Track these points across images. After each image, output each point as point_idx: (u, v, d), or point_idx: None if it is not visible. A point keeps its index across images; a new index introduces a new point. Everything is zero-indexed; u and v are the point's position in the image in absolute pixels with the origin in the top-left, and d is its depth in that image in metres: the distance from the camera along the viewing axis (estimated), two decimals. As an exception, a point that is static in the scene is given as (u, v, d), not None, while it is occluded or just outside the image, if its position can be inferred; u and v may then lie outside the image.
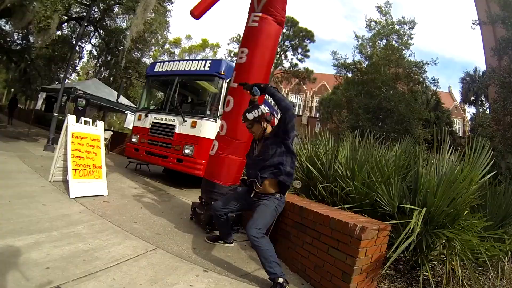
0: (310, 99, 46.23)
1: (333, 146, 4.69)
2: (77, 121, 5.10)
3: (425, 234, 3.03)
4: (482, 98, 32.01)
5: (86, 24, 15.02)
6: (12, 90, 29.52)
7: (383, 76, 14.81)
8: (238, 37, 30.41)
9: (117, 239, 3.02)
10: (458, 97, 40.87)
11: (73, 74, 24.94)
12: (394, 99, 14.28)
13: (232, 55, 30.38)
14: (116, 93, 9.77)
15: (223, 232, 3.34)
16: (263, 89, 2.93)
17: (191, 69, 6.92)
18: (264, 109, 2.97)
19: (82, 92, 10.16)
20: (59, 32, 16.56)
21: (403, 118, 14.43)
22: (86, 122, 5.20)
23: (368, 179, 3.70)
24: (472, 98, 33.05)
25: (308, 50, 32.39)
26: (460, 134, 33.04)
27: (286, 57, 33.15)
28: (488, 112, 25.38)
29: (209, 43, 34.76)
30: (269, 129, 3.01)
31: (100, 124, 5.41)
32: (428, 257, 3.15)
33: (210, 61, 6.75)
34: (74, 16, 14.58)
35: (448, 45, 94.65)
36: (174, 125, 6.80)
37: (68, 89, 10.07)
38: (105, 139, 11.69)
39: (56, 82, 17.28)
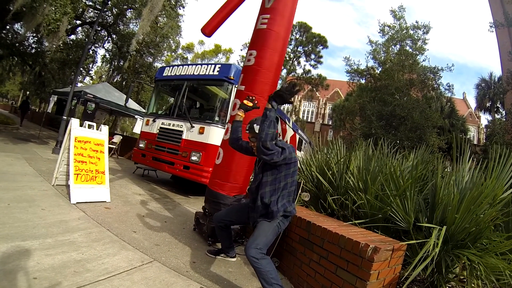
0: (323, 106, 45.94)
1: (345, 156, 4.46)
2: (81, 125, 5.03)
3: (444, 255, 2.77)
4: (498, 105, 31.17)
5: (99, 28, 15.31)
6: (27, 92, 30.39)
7: (396, 82, 14.46)
8: None
9: (113, 249, 2.88)
10: (472, 103, 40.14)
11: (87, 78, 25.44)
12: (408, 106, 13.91)
13: (244, 60, 30.35)
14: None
15: (225, 245, 3.15)
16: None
17: (200, 73, 6.81)
18: (277, 126, 2.67)
19: (92, 96, 10.22)
20: (73, 36, 16.97)
21: (417, 125, 14.02)
22: (90, 126, 5.13)
23: (382, 192, 3.46)
24: (488, 104, 32.21)
25: (321, 56, 32.19)
26: (475, 142, 32.04)
27: (299, 63, 32.92)
28: (504, 119, 24.63)
29: (222, 49, 34.76)
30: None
31: (105, 128, 5.33)
32: (446, 278, 2.89)
33: (220, 66, 6.61)
34: (88, 20, 14.85)
35: (461, 50, 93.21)
36: (182, 131, 6.68)
37: (77, 93, 10.15)
38: (115, 143, 11.85)
39: (70, 86, 17.54)
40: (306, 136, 14.80)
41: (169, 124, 7.00)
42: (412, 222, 3.05)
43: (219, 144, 5.76)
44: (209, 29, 4.12)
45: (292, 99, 2.42)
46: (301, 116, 42.80)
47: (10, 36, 14.07)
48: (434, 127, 15.27)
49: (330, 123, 39.74)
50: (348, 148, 5.52)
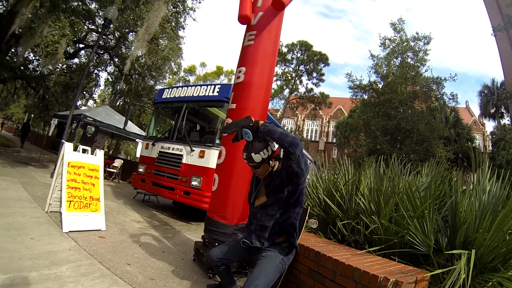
0: (327, 124, 45.89)
1: (353, 176, 4.19)
2: (75, 149, 4.86)
3: (472, 281, 2.46)
4: (502, 110, 30.96)
5: (102, 52, 15.54)
6: (31, 115, 30.80)
7: (400, 95, 14.33)
8: None
9: (102, 285, 2.62)
10: (476, 111, 39.95)
11: (91, 101, 25.76)
12: (413, 118, 13.71)
13: None
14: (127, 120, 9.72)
15: (225, 281, 2.86)
16: (256, 129, 2.22)
17: (200, 95, 6.65)
18: (274, 146, 2.33)
19: (91, 119, 10.16)
20: (76, 60, 17.27)
21: (423, 137, 13.76)
22: (84, 151, 4.95)
23: (396, 214, 3.18)
24: (492, 111, 32.05)
25: (323, 74, 32.22)
26: (482, 150, 31.56)
27: (301, 82, 32.97)
28: (509, 124, 24.33)
29: (224, 70, 35.02)
30: (276, 165, 2.38)
31: (100, 153, 5.15)
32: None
33: (219, 86, 6.47)
34: (91, 44, 15.08)
35: (460, 59, 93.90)
36: (182, 155, 6.46)
37: (77, 116, 10.10)
38: (116, 167, 11.70)
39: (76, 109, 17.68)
40: (310, 155, 14.62)
41: (169, 148, 6.81)
42: (432, 245, 2.77)
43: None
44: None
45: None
46: (305, 135, 42.75)
47: (15, 60, 14.30)
48: (440, 138, 14.97)
49: (334, 141, 39.49)
50: (356, 167, 5.25)
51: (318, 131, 46.37)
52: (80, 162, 4.70)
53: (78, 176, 4.56)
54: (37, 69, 16.33)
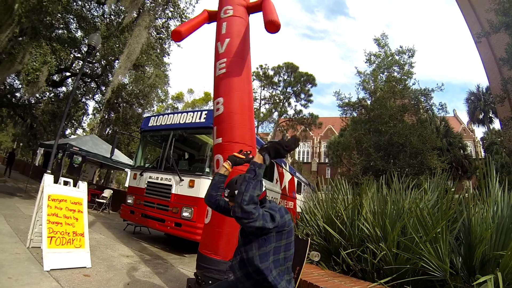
0: (318, 145, 45.98)
1: (354, 200, 3.96)
2: (56, 181, 4.60)
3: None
4: (490, 115, 31.57)
5: (89, 80, 15.40)
6: (20, 144, 30.15)
7: (389, 110, 14.38)
8: None
9: None
10: (464, 119, 40.72)
11: (80, 130, 25.40)
12: (405, 132, 13.69)
13: None
14: (115, 149, 9.43)
15: None
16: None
17: (186, 122, 6.48)
18: (262, 186, 1.94)
19: (78, 149, 9.83)
20: (64, 88, 17.06)
21: (417, 150, 13.70)
22: (66, 183, 4.70)
23: (404, 237, 2.94)
24: (480, 116, 32.71)
25: (311, 95, 32.35)
26: (473, 156, 31.93)
27: (289, 104, 33.02)
28: (499, 128, 24.70)
29: (211, 96, 35.12)
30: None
31: (83, 185, 4.87)
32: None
33: (206, 112, 6.31)
34: (77, 72, 14.94)
35: (443, 70, 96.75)
36: (171, 185, 6.22)
37: (63, 145, 9.77)
38: (105, 198, 11.30)
39: (62, 138, 17.36)
40: (304, 178, 14.52)
41: (157, 178, 6.54)
42: (449, 269, 2.53)
43: (210, 199, 5.30)
44: (184, 31, 3.99)
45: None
46: (297, 158, 42.60)
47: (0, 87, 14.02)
48: (433, 149, 14.95)
49: (326, 161, 39.52)
50: (354, 188, 5.04)
51: (310, 152, 46.35)
52: (61, 195, 4.41)
53: (59, 210, 4.27)
54: (24, 97, 16.07)
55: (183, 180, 6.06)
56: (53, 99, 17.22)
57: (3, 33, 7.86)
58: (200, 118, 6.33)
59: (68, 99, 9.76)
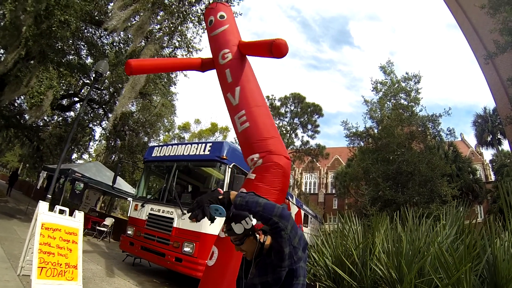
0: (325, 176, 45.52)
1: (366, 238, 3.71)
2: (57, 203, 4.54)
3: None
4: (498, 136, 31.07)
5: (97, 106, 15.61)
6: (26, 164, 30.34)
7: (397, 138, 14.21)
8: None
9: None
10: (471, 142, 40.19)
11: (86, 156, 25.58)
12: (413, 160, 13.44)
13: None
14: (117, 177, 9.33)
15: None
16: (228, 202, 1.77)
17: (190, 153, 6.40)
18: (251, 219, 1.81)
19: (80, 175, 9.75)
20: (72, 113, 17.28)
21: (426, 178, 13.42)
22: (61, 212, 4.55)
23: (421, 279, 2.66)
24: (489, 138, 32.28)
25: (318, 126, 32.09)
26: (483, 179, 31.19)
27: (296, 135, 32.79)
28: (509, 149, 24.20)
29: (219, 127, 34.97)
30: (268, 240, 1.83)
31: (79, 215, 4.72)
32: None
33: (210, 144, 6.23)
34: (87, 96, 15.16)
35: (448, 94, 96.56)
36: (173, 218, 6.06)
37: (65, 170, 9.71)
38: (106, 226, 11.08)
39: (67, 162, 17.44)
40: (311, 210, 14.30)
41: (159, 210, 6.39)
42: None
43: (215, 233, 5.02)
44: (135, 64, 3.91)
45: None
46: (303, 189, 42.04)
47: (11, 108, 14.20)
48: (443, 176, 14.58)
49: (333, 191, 39.04)
50: (365, 223, 4.76)
51: (317, 183, 45.78)
52: (56, 224, 4.26)
53: (52, 239, 4.11)
54: (29, 120, 16.30)
55: (185, 213, 5.88)
56: (61, 123, 17.45)
57: (10, 54, 7.96)
58: (204, 151, 6.23)
59: (73, 124, 9.83)
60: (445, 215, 4.34)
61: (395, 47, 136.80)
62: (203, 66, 4.21)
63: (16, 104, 15.22)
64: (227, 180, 5.70)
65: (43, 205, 4.29)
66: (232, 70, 3.70)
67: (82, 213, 4.87)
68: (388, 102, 16.65)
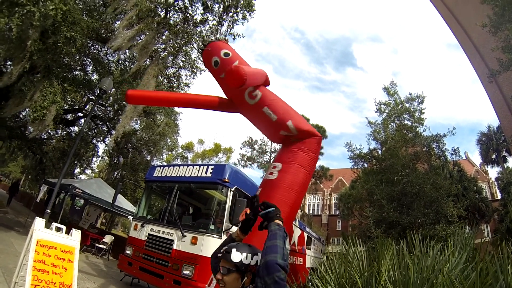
0: (328, 197, 45.45)
1: (371, 266, 3.56)
2: (48, 226, 4.38)
3: None
4: (503, 154, 30.82)
5: (101, 123, 15.73)
6: (28, 176, 30.34)
7: (401, 159, 14.09)
8: (250, 141, 30.64)
9: None
10: (476, 160, 39.93)
11: (89, 171, 25.62)
12: (418, 181, 13.27)
13: (245, 159, 30.18)
14: (118, 195, 9.26)
15: None
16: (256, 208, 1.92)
17: (192, 175, 6.37)
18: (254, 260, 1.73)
19: (81, 191, 9.69)
20: (76, 128, 17.38)
21: (431, 199, 13.20)
22: (58, 229, 4.44)
23: None
24: (493, 156, 32.12)
25: (322, 147, 32.02)
26: (489, 197, 30.76)
27: None
28: None
29: (222, 148, 35.15)
30: (247, 281, 1.74)
31: (76, 233, 4.61)
32: None
33: (212, 167, 6.21)
34: (93, 114, 15.26)
35: (450, 113, 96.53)
36: (172, 240, 5.97)
37: (66, 186, 9.67)
38: (105, 243, 10.93)
39: (69, 177, 17.42)
40: (314, 233, 14.14)
41: (159, 231, 6.32)
42: None
43: (215, 258, 4.96)
44: (134, 96, 3.93)
45: None
46: (306, 211, 42.03)
47: (16, 119, 14.30)
48: (448, 196, 14.35)
49: (337, 213, 38.91)
50: (370, 249, 4.60)
51: (320, 204, 45.63)
52: (51, 242, 4.16)
53: (47, 257, 4.01)
54: (31, 134, 16.40)
55: (185, 236, 5.83)
56: (64, 137, 17.55)
57: (15, 67, 8.06)
58: (206, 173, 6.20)
59: (76, 140, 9.86)
60: (452, 237, 4.18)
61: (398, 68, 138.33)
62: (221, 106, 4.13)
63: (22, 116, 15.38)
64: (228, 203, 5.64)
65: (39, 222, 4.20)
66: (272, 107, 3.65)
67: (79, 231, 4.78)
68: (392, 123, 16.63)
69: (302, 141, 3.60)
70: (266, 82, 3.85)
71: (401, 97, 16.73)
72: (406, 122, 16.40)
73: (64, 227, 4.61)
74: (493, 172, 34.72)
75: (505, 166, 30.82)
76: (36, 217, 4.37)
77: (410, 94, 16.65)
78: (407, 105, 16.39)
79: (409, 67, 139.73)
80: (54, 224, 4.52)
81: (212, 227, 5.76)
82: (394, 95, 16.82)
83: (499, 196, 31.07)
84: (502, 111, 19.11)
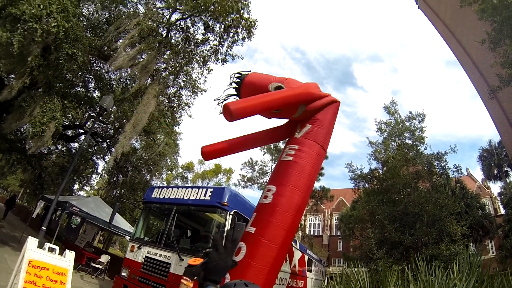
0: (329, 218, 45.01)
1: None
2: (41, 246, 4.24)
3: None
4: (505, 168, 30.58)
5: (101, 140, 15.69)
6: (27, 190, 30.07)
7: (403, 178, 13.99)
8: (250, 162, 30.67)
9: None
10: (478, 176, 39.67)
11: (88, 188, 25.44)
12: (420, 200, 13.11)
13: (245, 180, 30.14)
14: (116, 214, 9.12)
15: None
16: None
17: (191, 198, 6.27)
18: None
19: (78, 209, 9.54)
20: (76, 144, 17.33)
21: (434, 218, 13.02)
22: (51, 250, 4.32)
23: None
24: (496, 172, 31.76)
25: (322, 168, 31.16)
26: (492, 213, 30.37)
27: None
28: None
29: (222, 169, 34.98)
30: None
31: (70, 255, 4.48)
32: None
33: (211, 190, 6.11)
34: (92, 130, 15.23)
35: (450, 130, 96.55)
36: (169, 263, 5.83)
37: (63, 203, 9.53)
38: (102, 263, 10.70)
39: (67, 193, 17.27)
40: (315, 254, 13.95)
41: (156, 254, 6.17)
42: None
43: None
44: (209, 152, 3.85)
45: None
46: (307, 232, 41.49)
47: (17, 132, 14.27)
48: (451, 214, 14.12)
49: (338, 233, 38.38)
50: (367, 261, 4.41)
51: (321, 225, 45.17)
52: (44, 263, 4.03)
53: (39, 278, 3.89)
54: (30, 149, 16.33)
55: (183, 260, 5.67)
56: (64, 153, 17.48)
57: (16, 81, 8.05)
58: (205, 196, 6.10)
59: (74, 157, 9.79)
60: (456, 256, 4.00)
61: (397, 86, 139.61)
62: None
63: (22, 129, 15.38)
64: (227, 227, 5.52)
65: (31, 241, 4.09)
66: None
67: (73, 253, 4.65)
68: (392, 143, 16.61)
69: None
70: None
71: (401, 116, 16.83)
72: (407, 141, 16.40)
73: (57, 248, 4.50)
74: (496, 187, 34.51)
75: (508, 181, 30.61)
76: (29, 237, 4.26)
77: (410, 112, 16.79)
78: (407, 123, 16.43)
79: (409, 86, 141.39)
80: (47, 244, 4.41)
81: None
82: (394, 114, 16.89)
83: (502, 211, 30.67)
84: (502, 125, 19.09)
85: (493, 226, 25.30)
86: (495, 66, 11.66)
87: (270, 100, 3.50)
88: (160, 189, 7.15)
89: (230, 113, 3.25)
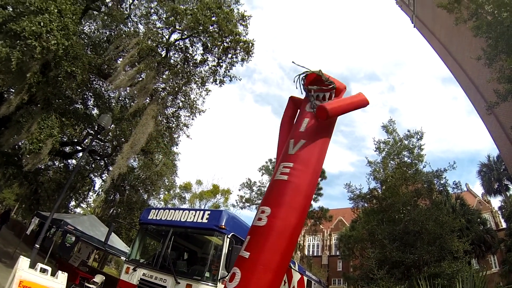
0: (328, 238, 44.69)
1: None
2: (33, 266, 4.18)
3: None
4: (505, 182, 30.49)
5: (99, 158, 15.63)
6: (22, 205, 29.59)
7: (402, 197, 13.92)
8: (248, 182, 30.65)
9: None
10: (477, 191, 39.48)
11: (84, 205, 25.13)
12: (420, 218, 12.97)
13: (243, 201, 30.08)
14: (112, 234, 8.95)
15: None
16: None
17: (187, 220, 6.19)
18: None
19: (73, 228, 9.38)
20: (74, 161, 17.23)
21: (435, 235, 12.84)
22: (43, 271, 4.32)
23: None
24: (496, 186, 31.61)
25: (321, 188, 31.87)
26: (494, 227, 30.05)
27: None
28: None
29: (220, 189, 34.62)
30: None
31: (62, 276, 4.41)
32: None
33: (209, 212, 6.07)
34: (91, 148, 15.18)
35: (447, 145, 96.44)
36: (165, 287, 5.69)
37: (58, 221, 9.38)
38: (96, 283, 10.44)
39: (63, 210, 17.02)
40: (315, 276, 13.71)
41: (151, 277, 6.02)
42: None
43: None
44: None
45: None
46: (306, 252, 41.14)
47: (12, 146, 14.17)
48: (452, 231, 13.94)
49: (337, 253, 37.91)
50: (367, 282, 4.30)
51: (320, 245, 44.78)
52: (35, 284, 4.00)
53: None
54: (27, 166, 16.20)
55: (179, 283, 5.54)
56: (61, 169, 17.37)
57: (14, 97, 8.04)
58: (202, 218, 6.04)
59: (71, 174, 9.67)
60: (459, 273, 3.92)
61: (395, 104, 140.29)
62: (294, 104, 4.33)
63: (20, 144, 15.32)
64: (225, 251, 5.44)
65: (23, 261, 4.04)
66: (309, 123, 3.77)
67: (66, 274, 4.55)
68: (391, 161, 16.59)
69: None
70: None
71: (399, 134, 16.84)
72: (405, 159, 16.37)
73: (49, 269, 4.40)
74: (496, 201, 34.30)
75: (508, 195, 30.53)
76: (21, 256, 4.18)
77: (408, 131, 16.80)
78: (406, 142, 16.43)
79: (406, 103, 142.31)
80: (39, 265, 4.33)
81: (207, 274, 5.51)
82: (392, 133, 16.90)
83: (503, 225, 30.45)
84: (500, 139, 19.15)
85: (495, 240, 25.10)
86: (491, 81, 11.77)
87: (351, 102, 3.89)
88: (157, 210, 7.06)
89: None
